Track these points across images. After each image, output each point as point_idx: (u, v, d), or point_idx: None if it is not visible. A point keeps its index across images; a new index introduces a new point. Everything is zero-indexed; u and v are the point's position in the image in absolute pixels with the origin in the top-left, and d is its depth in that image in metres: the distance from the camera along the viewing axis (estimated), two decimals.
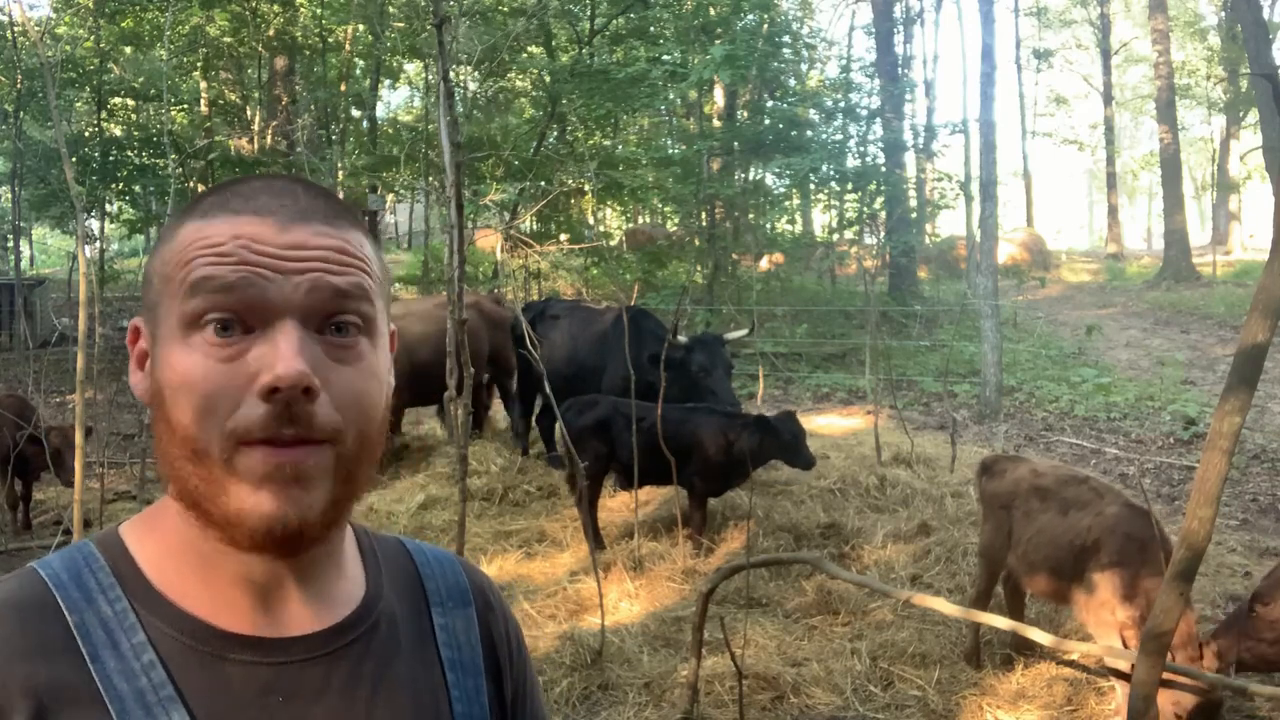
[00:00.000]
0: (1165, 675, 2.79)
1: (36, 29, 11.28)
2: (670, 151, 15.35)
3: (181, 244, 0.73)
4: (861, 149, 15.78)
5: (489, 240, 17.31)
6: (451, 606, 0.89)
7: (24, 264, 16.78)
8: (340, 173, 15.17)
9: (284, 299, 0.71)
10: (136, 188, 14.62)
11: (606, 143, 17.28)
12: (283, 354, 0.69)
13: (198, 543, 0.74)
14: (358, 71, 17.55)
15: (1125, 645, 3.30)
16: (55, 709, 0.68)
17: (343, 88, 16.40)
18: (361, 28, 16.58)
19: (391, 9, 16.15)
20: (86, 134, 14.64)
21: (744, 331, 7.32)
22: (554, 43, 16.80)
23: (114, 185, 14.31)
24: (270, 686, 0.74)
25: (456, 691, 0.84)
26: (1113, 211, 27.29)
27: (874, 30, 17.89)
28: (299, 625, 0.77)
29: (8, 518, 6.32)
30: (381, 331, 0.78)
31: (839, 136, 15.60)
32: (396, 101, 27.79)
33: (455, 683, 0.85)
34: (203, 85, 17.03)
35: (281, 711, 0.74)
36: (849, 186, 15.33)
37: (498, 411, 8.83)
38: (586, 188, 14.95)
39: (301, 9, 16.03)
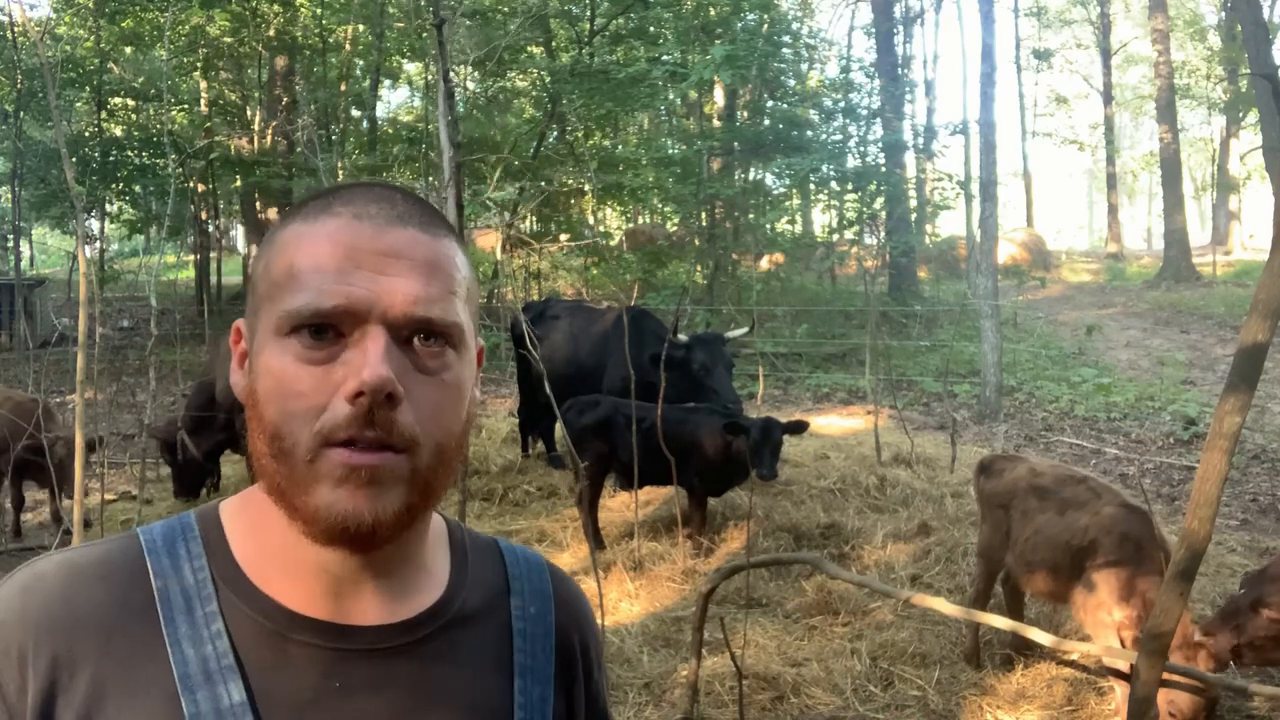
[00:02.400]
0: (1164, 675, 2.79)
1: (36, 29, 11.28)
2: (670, 151, 15.35)
3: (283, 247, 0.76)
4: (861, 149, 15.78)
5: (489, 240, 17.31)
6: (533, 611, 0.89)
7: (24, 264, 16.78)
8: (340, 173, 15.16)
9: (376, 306, 0.72)
10: (136, 188, 14.62)
11: (606, 143, 17.27)
12: (370, 360, 0.71)
13: (282, 532, 0.77)
14: (358, 71, 17.55)
15: (1122, 645, 3.30)
16: (123, 671, 0.72)
17: (343, 88, 16.39)
18: (361, 28, 16.57)
19: (391, 9, 16.14)
20: (86, 134, 14.64)
21: (744, 330, 7.30)
22: (554, 43, 16.80)
23: (114, 185, 14.31)
24: (330, 671, 0.76)
25: (521, 698, 0.84)
26: (1113, 211, 27.29)
27: (874, 30, 17.89)
28: (369, 617, 0.79)
29: (9, 519, 6.30)
30: (469, 344, 0.79)
31: (839, 136, 15.60)
32: (397, 101, 27.78)
33: (521, 689, 0.84)
34: (203, 85, 17.03)
35: (338, 698, 0.75)
36: (849, 186, 15.33)
37: (499, 411, 8.81)
38: (586, 188, 14.95)
39: (301, 9, 16.02)
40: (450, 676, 0.81)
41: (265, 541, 0.79)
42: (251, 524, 0.80)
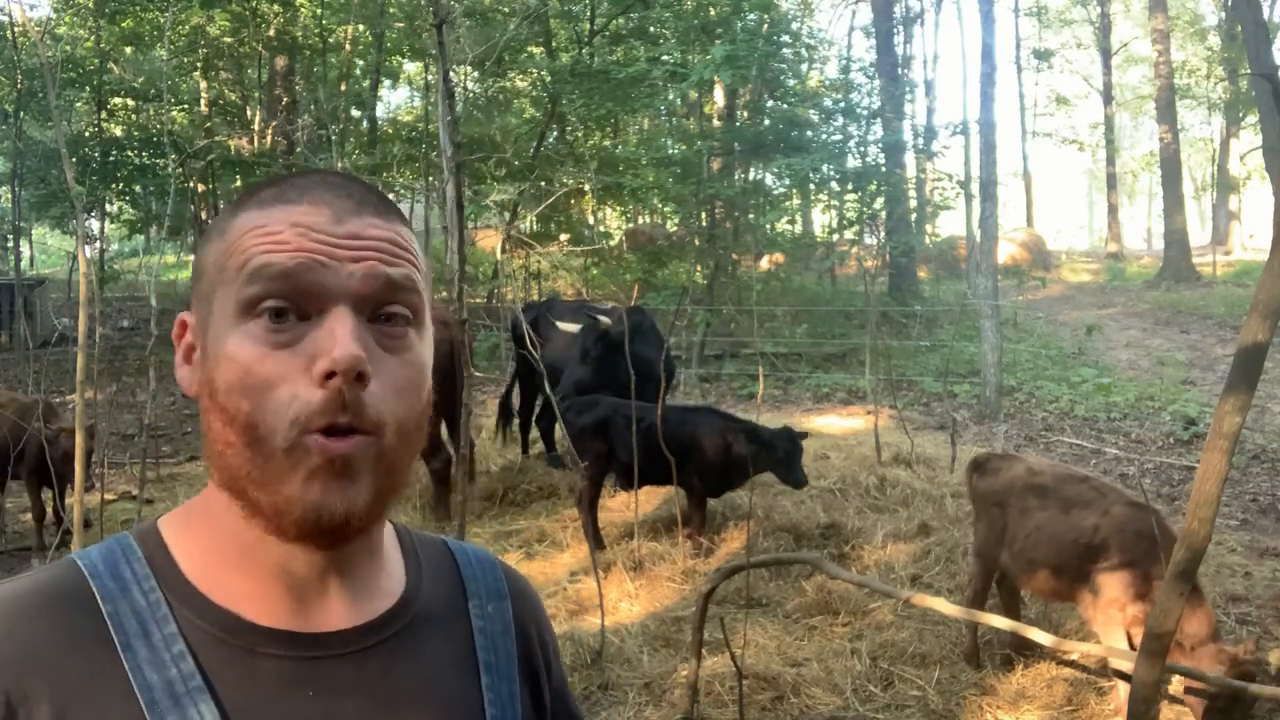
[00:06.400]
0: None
1: (36, 29, 11.29)
2: (670, 151, 15.33)
3: (236, 234, 0.75)
4: (861, 149, 15.76)
5: (489, 240, 17.31)
6: (490, 609, 0.89)
7: (24, 264, 16.77)
8: None
9: (339, 286, 0.72)
10: (136, 188, 14.61)
11: (607, 143, 17.26)
12: (339, 339, 0.70)
13: (239, 535, 0.75)
14: (357, 71, 17.54)
15: (1132, 641, 3.31)
16: (83, 701, 0.69)
17: (342, 88, 16.38)
18: (361, 28, 16.56)
19: (391, 9, 16.13)
20: (86, 134, 14.62)
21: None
22: (554, 43, 16.79)
23: (114, 185, 14.30)
24: (300, 680, 0.74)
25: (490, 694, 0.84)
26: (1113, 211, 27.27)
27: (874, 30, 17.89)
28: (334, 620, 0.77)
29: (9, 518, 6.28)
30: (427, 324, 0.79)
31: (839, 137, 15.59)
32: (396, 101, 27.77)
33: (489, 685, 0.84)
34: (203, 85, 17.02)
35: (310, 706, 0.74)
36: (849, 187, 15.32)
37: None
38: (586, 188, 14.95)
39: (301, 9, 16.02)
40: (420, 676, 0.80)
41: (219, 552, 0.76)
42: (198, 536, 0.78)
